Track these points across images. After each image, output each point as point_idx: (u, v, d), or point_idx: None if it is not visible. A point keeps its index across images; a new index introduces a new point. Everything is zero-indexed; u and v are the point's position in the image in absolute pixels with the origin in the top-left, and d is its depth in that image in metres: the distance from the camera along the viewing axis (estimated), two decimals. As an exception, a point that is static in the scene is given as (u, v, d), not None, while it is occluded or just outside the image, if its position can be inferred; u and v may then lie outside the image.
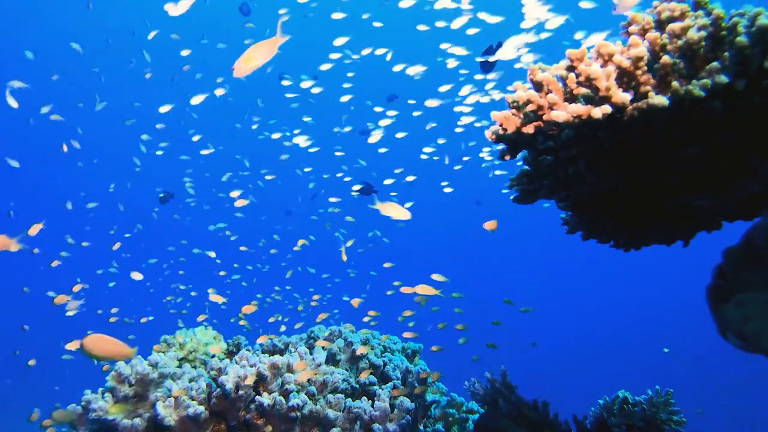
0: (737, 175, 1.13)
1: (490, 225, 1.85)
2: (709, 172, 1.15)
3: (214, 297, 2.75)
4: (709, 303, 1.16)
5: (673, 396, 1.96)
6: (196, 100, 3.64)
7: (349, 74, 5.64)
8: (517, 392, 2.13)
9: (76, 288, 2.63)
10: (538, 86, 1.12)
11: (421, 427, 1.76)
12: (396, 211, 1.70)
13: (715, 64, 0.98)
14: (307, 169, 6.75)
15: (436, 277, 2.07)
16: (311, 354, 1.90)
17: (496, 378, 2.24)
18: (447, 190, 6.13)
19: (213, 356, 2.13)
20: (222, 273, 4.88)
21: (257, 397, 1.60)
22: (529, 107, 1.12)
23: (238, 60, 1.26)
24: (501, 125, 1.18)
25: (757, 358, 1.10)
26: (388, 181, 5.60)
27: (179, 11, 1.53)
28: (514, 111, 1.16)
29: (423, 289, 1.88)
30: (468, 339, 2.41)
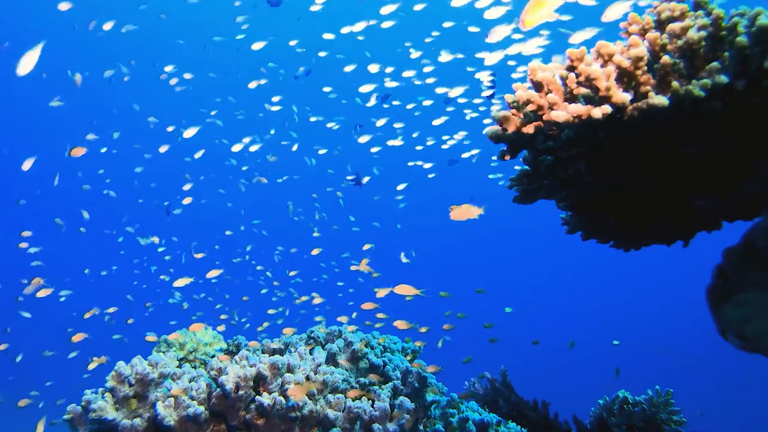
0: (737, 176, 1.13)
1: (461, 213, 1.76)
2: (709, 172, 1.15)
3: (180, 281, 2.79)
4: (709, 303, 1.16)
5: (673, 396, 1.96)
6: (189, 133, 3.67)
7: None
8: (516, 392, 2.13)
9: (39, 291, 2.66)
10: (537, 86, 1.12)
11: (421, 427, 1.76)
12: (468, 212, 1.64)
13: (715, 64, 0.98)
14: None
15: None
16: (311, 354, 1.90)
17: (496, 378, 2.24)
18: (429, 175, 6.20)
19: (213, 356, 2.13)
20: (199, 255, 4.85)
21: (257, 397, 1.60)
22: (529, 107, 1.12)
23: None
24: (501, 125, 1.18)
25: (757, 358, 1.10)
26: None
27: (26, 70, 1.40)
28: (514, 111, 1.16)
29: (403, 290, 1.83)
30: (448, 340, 2.40)
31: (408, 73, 4.42)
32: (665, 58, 0.99)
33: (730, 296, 1.10)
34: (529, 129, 1.14)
